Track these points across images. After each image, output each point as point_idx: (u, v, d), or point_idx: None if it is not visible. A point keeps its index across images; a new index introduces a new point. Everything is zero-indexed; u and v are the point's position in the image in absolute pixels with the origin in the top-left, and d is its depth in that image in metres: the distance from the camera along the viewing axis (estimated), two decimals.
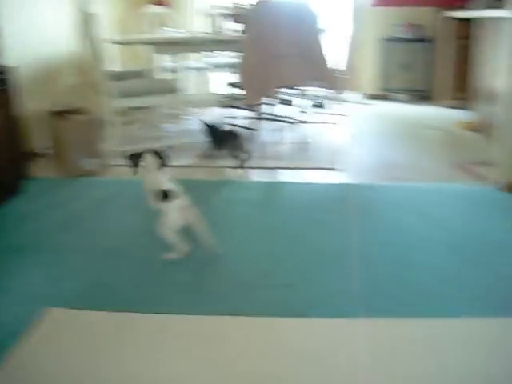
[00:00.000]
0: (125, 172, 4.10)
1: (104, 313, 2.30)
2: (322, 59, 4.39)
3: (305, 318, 2.23)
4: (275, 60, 4.22)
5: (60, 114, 4.49)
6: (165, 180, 2.87)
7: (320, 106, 6.62)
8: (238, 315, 2.26)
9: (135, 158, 2.99)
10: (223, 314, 2.26)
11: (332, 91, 4.93)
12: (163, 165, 3.00)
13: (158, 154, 3.00)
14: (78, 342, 2.11)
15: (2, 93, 3.65)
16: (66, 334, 2.16)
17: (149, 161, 2.98)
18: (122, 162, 4.39)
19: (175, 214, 2.68)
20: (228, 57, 6.41)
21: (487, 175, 3.97)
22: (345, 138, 5.18)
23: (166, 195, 2.72)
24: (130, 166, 3.01)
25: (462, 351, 1.99)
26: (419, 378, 1.86)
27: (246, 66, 4.27)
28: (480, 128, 5.34)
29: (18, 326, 2.20)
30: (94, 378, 1.88)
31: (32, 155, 4.58)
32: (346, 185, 3.90)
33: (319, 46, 4.39)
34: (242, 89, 4.42)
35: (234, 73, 5.52)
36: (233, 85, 4.80)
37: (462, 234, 3.03)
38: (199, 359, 1.98)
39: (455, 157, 4.54)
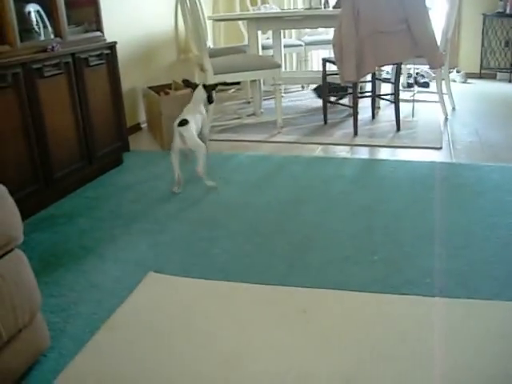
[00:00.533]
0: (220, 146, 4.14)
1: (203, 280, 2.35)
2: (430, 34, 4.25)
3: (403, 295, 2.19)
4: (379, 37, 4.11)
5: (158, 89, 4.60)
6: (192, 114, 3.47)
7: (425, 85, 6.45)
8: (338, 289, 2.25)
9: (188, 82, 3.77)
10: (323, 287, 2.26)
11: (433, 68, 4.76)
12: (210, 101, 3.68)
13: (209, 89, 3.64)
14: (177, 307, 2.17)
15: (108, 68, 3.77)
16: (166, 299, 2.23)
17: (199, 92, 3.62)
18: (218, 136, 4.46)
19: (177, 137, 3.28)
20: (326, 34, 6.36)
21: None
22: (445, 116, 5.02)
23: (182, 123, 3.28)
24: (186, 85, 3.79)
25: None
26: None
27: (341, 42, 4.20)
28: None
29: (120, 289, 2.29)
30: (189, 344, 1.93)
31: (133, 129, 4.73)
32: (448, 164, 3.79)
33: (428, 20, 4.24)
34: (337, 65, 4.35)
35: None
36: (328, 61, 4.74)
37: None
38: (296, 330, 1.99)
39: None
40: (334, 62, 4.46)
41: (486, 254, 2.49)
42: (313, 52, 6.99)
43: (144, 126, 5.04)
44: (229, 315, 2.10)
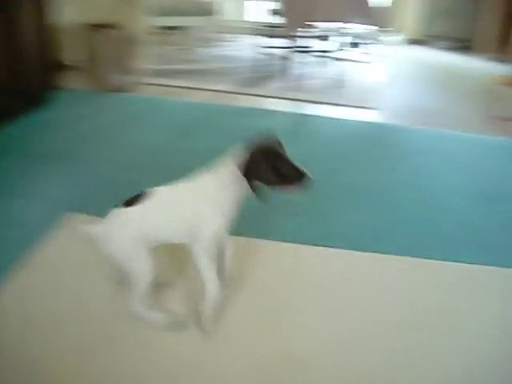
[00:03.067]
0: (154, 90, 4.05)
1: None
2: None
3: (323, 247, 2.23)
4: None
5: (96, 27, 4.45)
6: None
7: (355, 45, 6.48)
8: (263, 238, 2.27)
9: None
10: (254, 237, 2.28)
11: (372, 28, 4.78)
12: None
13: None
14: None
15: (35, 1, 3.60)
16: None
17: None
18: (152, 80, 4.36)
19: None
20: None
21: None
22: (381, 78, 5.07)
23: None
24: None
25: (465, 296, 2.00)
26: (416, 311, 1.89)
27: None
28: None
29: (39, 229, 2.24)
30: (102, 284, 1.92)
31: (64, 66, 4.56)
32: (378, 124, 3.85)
33: None
34: (283, 16, 4.32)
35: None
36: (275, 12, 4.70)
37: (486, 183, 2.98)
38: None
39: (488, 109, 4.45)
40: (280, 13, 4.43)
41: (402, 211, 2.57)
42: (252, 2, 6.88)
43: (79, 64, 4.86)
44: None
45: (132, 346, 1.65)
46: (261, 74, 4.86)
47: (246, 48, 6.00)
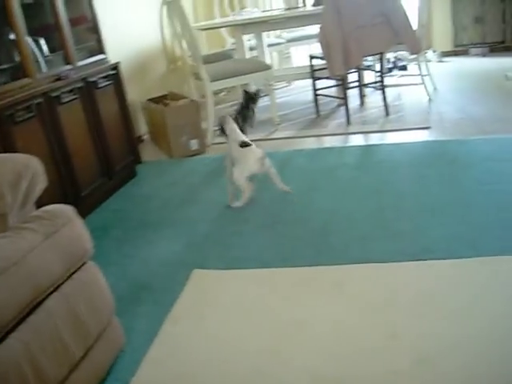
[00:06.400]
0: (224, 148, 4.39)
1: (243, 270, 2.63)
2: (407, 23, 4.55)
3: (420, 261, 2.47)
4: (361, 30, 4.41)
5: (156, 100, 4.85)
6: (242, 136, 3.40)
7: (404, 68, 6.73)
8: (360, 263, 2.53)
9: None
10: (347, 263, 2.55)
11: (412, 52, 5.03)
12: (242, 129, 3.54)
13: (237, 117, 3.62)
14: (227, 296, 2.45)
15: (115, 87, 4.03)
16: (214, 290, 2.50)
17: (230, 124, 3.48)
18: (220, 139, 4.71)
19: (252, 161, 3.20)
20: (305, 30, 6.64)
21: None
22: (429, 97, 5.31)
23: (244, 144, 3.28)
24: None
25: None
26: None
27: (327, 38, 4.48)
28: None
29: (169, 287, 2.56)
30: (247, 328, 2.23)
31: (138, 141, 4.97)
32: (439, 141, 4.09)
33: (403, 10, 4.56)
34: (325, 60, 4.62)
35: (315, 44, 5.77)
36: (314, 57, 5.02)
37: None
38: (334, 301, 2.28)
39: None
40: (321, 58, 4.74)
41: (486, 217, 2.80)
42: (292, 48, 7.26)
43: (145, 137, 5.28)
44: (272, 297, 2.38)
45: None
46: (319, 115, 5.17)
47: (298, 92, 6.35)
